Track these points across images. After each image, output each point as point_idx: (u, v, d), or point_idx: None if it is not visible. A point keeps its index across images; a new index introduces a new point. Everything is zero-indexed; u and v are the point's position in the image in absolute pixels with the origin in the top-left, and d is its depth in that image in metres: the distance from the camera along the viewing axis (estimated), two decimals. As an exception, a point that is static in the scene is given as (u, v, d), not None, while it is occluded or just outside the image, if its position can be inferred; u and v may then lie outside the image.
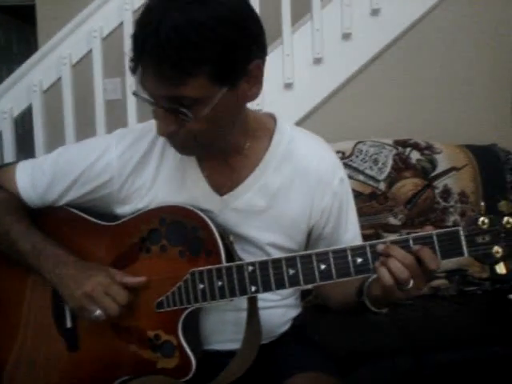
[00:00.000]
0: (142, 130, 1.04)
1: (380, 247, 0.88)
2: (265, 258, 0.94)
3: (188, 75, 0.81)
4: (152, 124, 1.02)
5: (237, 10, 0.84)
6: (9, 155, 2.13)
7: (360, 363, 1.35)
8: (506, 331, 1.45)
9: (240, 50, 0.84)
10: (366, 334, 1.50)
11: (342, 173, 1.06)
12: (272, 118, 1.05)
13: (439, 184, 1.97)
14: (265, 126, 1.02)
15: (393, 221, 1.93)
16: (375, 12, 2.21)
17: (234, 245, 0.98)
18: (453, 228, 0.88)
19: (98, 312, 0.94)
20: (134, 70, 0.86)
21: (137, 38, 0.83)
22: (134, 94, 0.90)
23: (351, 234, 1.08)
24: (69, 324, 1.02)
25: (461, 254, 0.87)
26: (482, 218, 0.87)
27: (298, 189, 1.01)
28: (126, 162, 1.01)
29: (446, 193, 1.97)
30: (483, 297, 1.71)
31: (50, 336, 1.03)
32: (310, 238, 1.06)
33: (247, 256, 1.00)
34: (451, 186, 1.97)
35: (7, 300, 1.08)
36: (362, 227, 1.88)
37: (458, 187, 1.97)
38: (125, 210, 1.03)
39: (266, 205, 1.01)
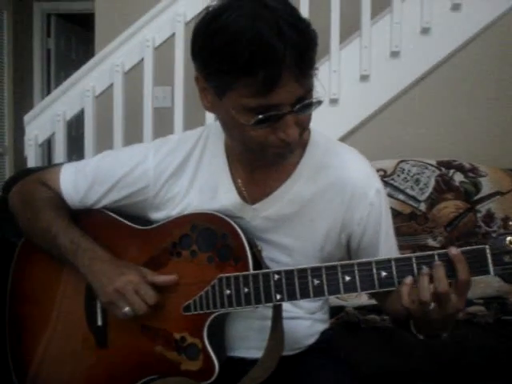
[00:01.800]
0: (178, 141, 1.07)
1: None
2: (291, 267, 0.94)
3: (314, 64, 0.86)
4: (189, 136, 1.07)
5: None
6: (60, 156, 2.23)
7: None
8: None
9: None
10: (394, 356, 1.47)
11: (378, 184, 1.05)
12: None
13: (482, 208, 1.93)
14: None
15: (431, 242, 1.90)
16: (425, 31, 2.19)
17: (262, 253, 1.00)
18: (479, 246, 0.87)
19: (127, 309, 0.97)
20: (267, 89, 0.82)
21: (269, 53, 0.80)
22: (256, 122, 0.86)
23: (389, 244, 1.07)
24: (99, 322, 1.06)
25: (486, 272, 0.86)
26: (510, 238, 0.86)
27: (330, 200, 1.02)
28: (161, 171, 1.05)
29: (489, 217, 1.92)
30: (522, 327, 1.65)
31: (80, 332, 1.07)
32: (351, 249, 1.06)
33: (274, 264, 1.01)
34: (495, 211, 1.93)
35: (42, 295, 1.12)
36: (400, 247, 1.85)
37: (502, 212, 1.93)
38: (159, 215, 1.07)
39: (297, 214, 1.02)
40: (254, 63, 0.80)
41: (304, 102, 0.85)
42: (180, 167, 1.05)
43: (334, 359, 1.12)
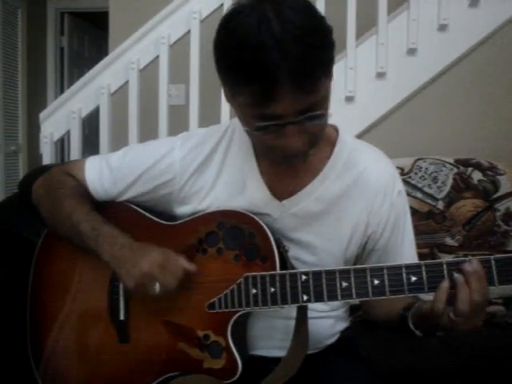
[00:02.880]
0: (205, 134, 1.07)
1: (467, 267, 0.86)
2: (318, 268, 0.94)
3: (319, 79, 0.83)
4: (215, 129, 1.07)
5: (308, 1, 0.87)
6: (75, 153, 2.23)
7: (406, 382, 1.31)
8: None
9: (332, 38, 0.86)
10: (414, 354, 1.46)
11: (401, 186, 1.06)
12: (334, 129, 1.06)
13: (501, 207, 1.90)
14: (327, 136, 1.03)
15: (449, 241, 1.88)
16: (442, 27, 2.17)
17: (288, 253, 0.99)
18: None
19: (157, 286, 0.95)
20: (263, 100, 0.82)
21: (263, 65, 0.79)
22: (257, 129, 0.86)
23: (406, 248, 1.07)
24: (122, 316, 1.05)
25: None
26: None
27: (356, 198, 1.02)
28: (188, 163, 1.04)
29: (508, 216, 1.90)
30: (542, 327, 1.64)
31: (101, 325, 1.06)
32: (364, 249, 1.06)
33: (299, 263, 1.00)
34: (514, 210, 1.90)
35: (65, 286, 1.11)
36: (418, 246, 1.84)
37: (521, 211, 1.90)
38: (184, 210, 1.06)
39: (324, 212, 1.02)
40: (251, 76, 0.80)
41: (306, 115, 0.84)
42: (206, 161, 1.04)
43: (355, 358, 1.12)
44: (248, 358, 1.02)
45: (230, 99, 0.91)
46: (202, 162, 1.04)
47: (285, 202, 1.02)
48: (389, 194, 1.03)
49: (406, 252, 1.06)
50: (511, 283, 0.86)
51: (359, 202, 1.02)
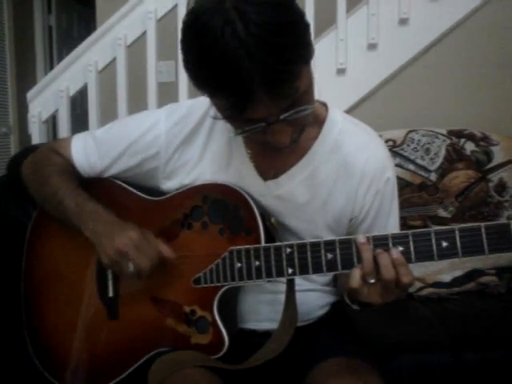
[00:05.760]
0: (192, 107, 1.04)
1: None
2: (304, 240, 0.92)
3: (297, 77, 0.77)
4: (201, 102, 1.03)
5: None
6: (64, 132, 2.20)
7: (399, 354, 1.31)
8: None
9: (304, 18, 0.80)
10: (407, 326, 1.46)
11: (391, 173, 1.01)
12: (324, 106, 1.03)
13: (494, 177, 1.89)
14: (315, 114, 0.98)
15: (442, 213, 1.87)
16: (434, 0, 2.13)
17: (276, 225, 0.98)
18: (504, 221, 0.84)
19: (131, 267, 0.94)
20: (240, 112, 0.78)
21: (235, 78, 0.74)
22: (243, 132, 0.83)
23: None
24: (111, 293, 1.05)
25: (510, 249, 0.83)
26: None
27: (343, 182, 0.99)
28: (174, 136, 1.03)
29: (501, 187, 1.89)
30: (534, 296, 1.64)
31: (91, 303, 1.07)
32: (346, 234, 1.04)
33: None
34: (507, 180, 1.89)
35: (56, 266, 1.12)
36: (411, 218, 1.86)
37: (515, 181, 1.89)
38: (170, 185, 1.05)
39: (310, 196, 0.99)
40: (222, 88, 0.76)
41: (289, 113, 0.80)
42: (192, 134, 1.02)
43: (346, 330, 1.11)
44: (238, 331, 1.02)
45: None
46: (188, 136, 1.03)
47: (270, 182, 1.00)
48: (376, 180, 0.99)
49: None
50: (501, 251, 0.84)
51: (346, 186, 0.99)
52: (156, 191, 1.07)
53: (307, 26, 0.80)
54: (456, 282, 1.73)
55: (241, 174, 1.00)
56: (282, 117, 0.80)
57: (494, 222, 0.85)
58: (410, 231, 0.87)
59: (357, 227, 1.03)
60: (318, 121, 0.99)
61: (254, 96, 0.75)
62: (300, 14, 0.78)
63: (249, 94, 0.75)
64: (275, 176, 1.00)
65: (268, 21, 0.73)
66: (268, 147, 0.91)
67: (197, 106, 1.04)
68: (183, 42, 0.80)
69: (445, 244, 0.85)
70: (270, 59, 0.73)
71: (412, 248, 0.86)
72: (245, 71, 0.73)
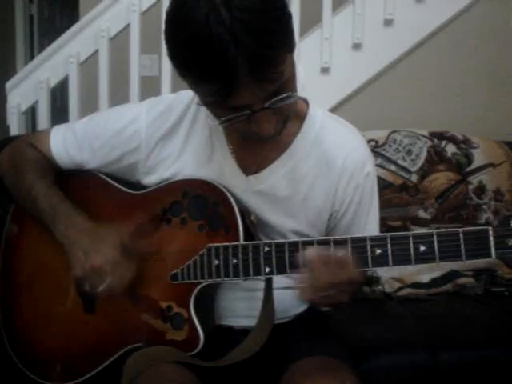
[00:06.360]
0: (173, 100, 1.03)
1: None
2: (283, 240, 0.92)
3: (281, 62, 0.79)
4: (183, 96, 1.03)
5: None
6: (43, 124, 2.17)
7: (376, 354, 1.33)
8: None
9: (287, 8, 0.81)
10: (384, 326, 1.47)
11: (371, 168, 1.02)
12: (305, 102, 1.03)
13: (474, 180, 1.91)
14: (297, 110, 0.99)
15: (422, 214, 1.88)
16: (420, 0, 2.14)
17: (256, 223, 0.98)
18: (482, 227, 0.84)
19: (102, 288, 0.94)
20: (225, 98, 0.78)
21: (220, 63, 0.75)
22: (228, 120, 0.84)
23: (368, 231, 1.03)
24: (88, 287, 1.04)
25: (488, 255, 0.83)
26: None
27: (323, 177, 1.00)
28: (154, 130, 1.02)
29: (481, 189, 1.91)
30: (510, 298, 1.66)
31: (69, 297, 1.06)
32: (327, 228, 1.04)
33: None
34: (486, 183, 1.91)
35: (34, 260, 1.11)
36: (391, 219, 1.87)
37: (494, 184, 1.91)
38: (151, 180, 1.04)
39: (291, 191, 1.00)
40: (207, 74, 0.77)
41: (273, 100, 0.81)
42: (173, 128, 1.02)
43: (323, 329, 1.12)
44: (215, 328, 1.02)
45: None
46: (169, 130, 1.02)
47: (251, 177, 1.00)
48: (356, 175, 1.00)
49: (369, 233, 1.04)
50: (478, 257, 0.84)
51: (326, 180, 1.00)
52: (137, 185, 1.06)
53: (290, 15, 0.81)
54: (434, 282, 1.74)
55: (222, 168, 1.00)
56: (266, 104, 0.81)
57: (472, 228, 0.85)
58: (388, 234, 0.88)
59: (337, 222, 1.03)
60: (299, 116, 1.00)
61: (240, 81, 0.76)
62: (283, 2, 0.80)
63: (234, 78, 0.76)
64: (257, 171, 1.00)
65: (252, 6, 0.75)
66: (250, 140, 0.92)
67: (178, 101, 1.03)
68: (167, 30, 0.80)
69: (422, 248, 0.85)
70: (255, 44, 0.74)
71: (390, 251, 0.86)
72: (230, 56, 0.74)
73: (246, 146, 0.98)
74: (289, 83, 0.83)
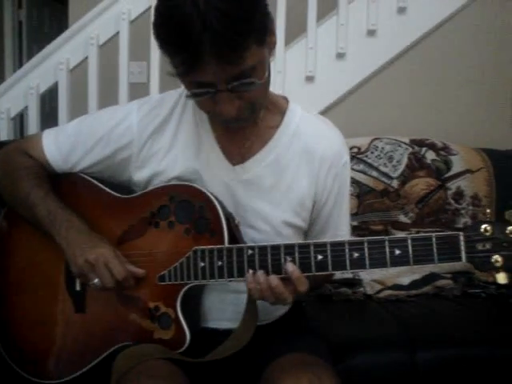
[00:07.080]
0: (162, 98, 1.10)
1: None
2: (273, 237, 0.99)
3: (245, 49, 0.86)
4: (171, 95, 1.09)
5: None
6: (33, 130, 2.19)
7: (356, 353, 1.36)
8: (505, 333, 1.45)
9: (266, 8, 0.90)
10: (365, 326, 1.51)
11: (347, 157, 1.10)
12: (285, 99, 1.11)
13: (452, 185, 1.97)
14: (278, 103, 1.08)
15: (403, 219, 1.94)
16: (401, 10, 2.21)
17: (240, 226, 1.03)
18: (453, 232, 0.88)
19: (96, 281, 1.00)
20: (190, 70, 0.87)
21: (187, 38, 0.84)
22: (192, 94, 0.92)
23: (344, 217, 1.12)
24: (78, 287, 1.08)
25: (458, 258, 0.88)
26: (484, 225, 0.87)
27: (305, 167, 1.06)
28: (146, 125, 1.07)
29: (459, 195, 1.97)
30: (487, 300, 1.70)
31: (59, 296, 1.09)
32: (310, 217, 1.10)
33: (255, 232, 1.05)
34: (464, 188, 1.97)
35: (25, 261, 1.13)
36: (372, 223, 1.92)
37: (472, 190, 1.98)
38: (142, 174, 1.08)
39: (275, 180, 1.05)
40: (176, 47, 0.86)
41: (234, 83, 0.88)
42: (163, 123, 1.07)
43: (305, 330, 1.15)
44: (200, 330, 1.05)
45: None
46: (159, 125, 1.07)
47: (237, 167, 1.06)
48: (334, 164, 1.07)
49: (345, 220, 1.13)
50: (449, 261, 0.89)
51: (308, 170, 1.06)
52: (125, 189, 1.10)
53: (268, 13, 0.91)
54: (414, 284, 1.79)
55: (210, 159, 1.06)
56: (229, 86, 0.88)
57: (444, 233, 0.89)
58: (365, 238, 0.92)
59: (319, 212, 1.09)
60: (280, 111, 1.08)
61: (203, 58, 0.84)
62: (263, 2, 0.89)
63: (197, 54, 0.84)
64: (242, 161, 1.06)
65: None
66: (229, 128, 1.01)
67: (167, 98, 1.09)
68: (156, 7, 0.89)
69: (398, 252, 0.90)
70: (221, 28, 0.82)
71: (367, 254, 0.91)
72: (196, 34, 0.83)
73: (230, 137, 1.05)
74: (255, 72, 0.90)
